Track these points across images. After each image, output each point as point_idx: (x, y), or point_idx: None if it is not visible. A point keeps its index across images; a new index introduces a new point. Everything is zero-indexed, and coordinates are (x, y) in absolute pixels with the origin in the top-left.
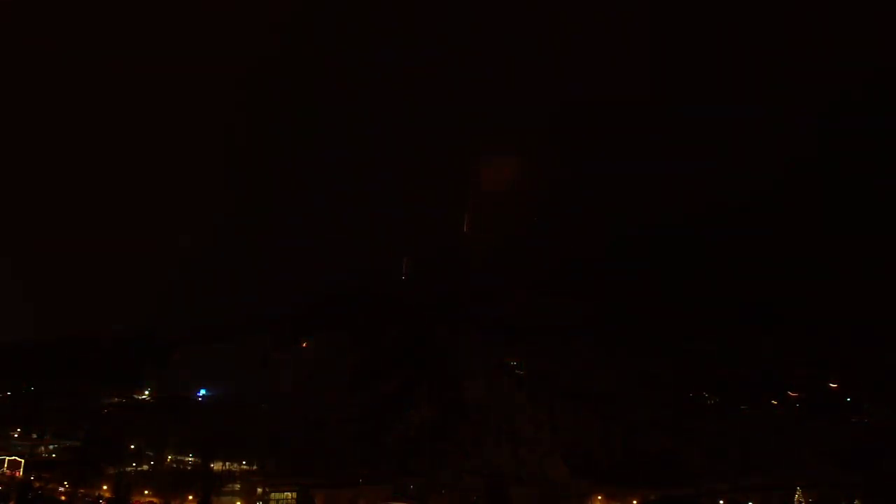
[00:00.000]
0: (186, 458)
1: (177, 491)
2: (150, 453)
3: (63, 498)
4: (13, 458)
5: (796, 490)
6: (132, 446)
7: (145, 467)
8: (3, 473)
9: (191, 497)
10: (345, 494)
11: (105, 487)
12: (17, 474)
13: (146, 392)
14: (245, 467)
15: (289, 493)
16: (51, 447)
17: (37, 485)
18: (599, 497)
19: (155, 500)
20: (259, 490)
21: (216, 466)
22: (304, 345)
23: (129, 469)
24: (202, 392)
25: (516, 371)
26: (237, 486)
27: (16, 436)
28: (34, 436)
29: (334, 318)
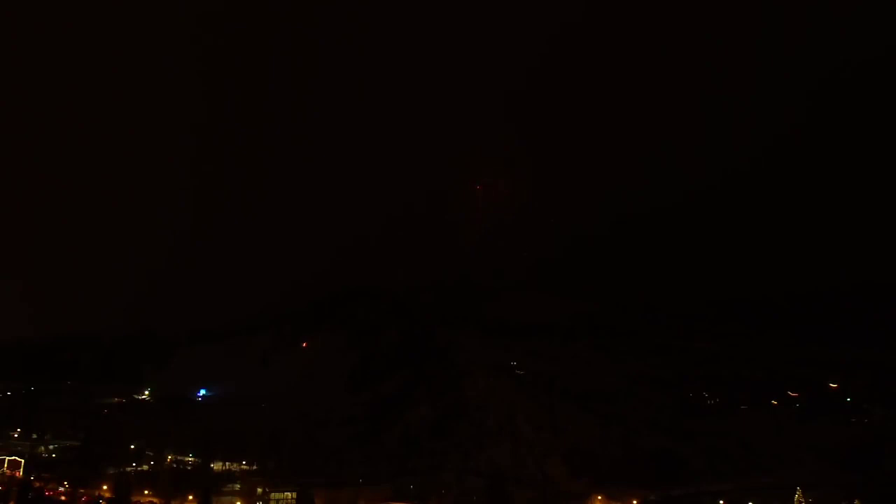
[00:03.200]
0: (186, 458)
1: (177, 491)
2: (150, 453)
3: (63, 498)
4: (13, 458)
5: (796, 490)
6: (132, 446)
7: (145, 467)
8: (3, 473)
9: (191, 497)
10: (345, 494)
11: (105, 487)
12: (17, 474)
13: (146, 392)
14: (245, 467)
15: (289, 493)
16: (51, 447)
17: (37, 485)
18: (599, 497)
19: (155, 500)
20: (259, 490)
21: (216, 466)
22: (304, 345)
23: (129, 469)
24: (202, 392)
25: (516, 371)
26: (237, 486)
27: (16, 436)
28: (34, 436)
29: (334, 318)
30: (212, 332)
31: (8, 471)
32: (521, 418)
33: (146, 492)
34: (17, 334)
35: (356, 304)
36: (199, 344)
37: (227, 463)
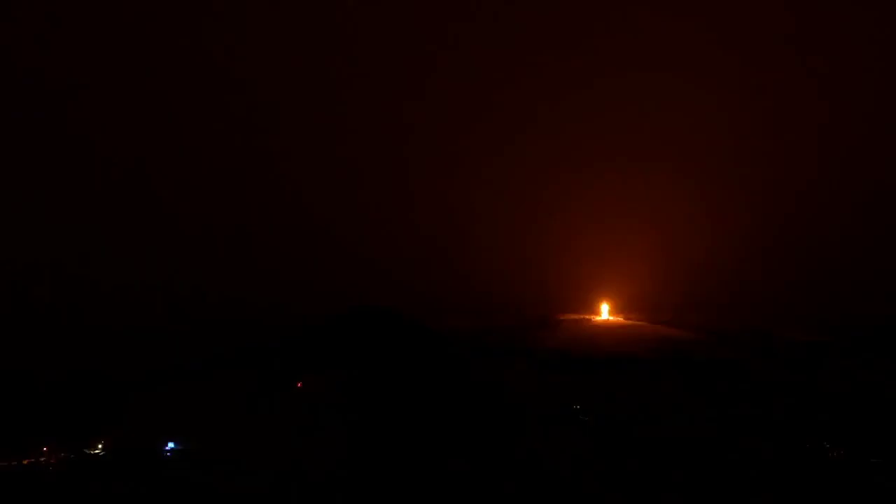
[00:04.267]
0: None
1: None
2: None
3: None
4: None
5: None
6: None
7: None
8: None
9: None
10: None
11: None
12: None
13: (99, 446)
14: None
15: None
16: None
17: None
18: None
19: None
20: None
21: None
22: (298, 385)
23: None
24: (171, 445)
25: None
26: None
27: None
28: None
29: (334, 350)
30: (183, 368)
31: None
32: None
33: None
34: None
35: (364, 330)
36: (165, 385)
37: None
